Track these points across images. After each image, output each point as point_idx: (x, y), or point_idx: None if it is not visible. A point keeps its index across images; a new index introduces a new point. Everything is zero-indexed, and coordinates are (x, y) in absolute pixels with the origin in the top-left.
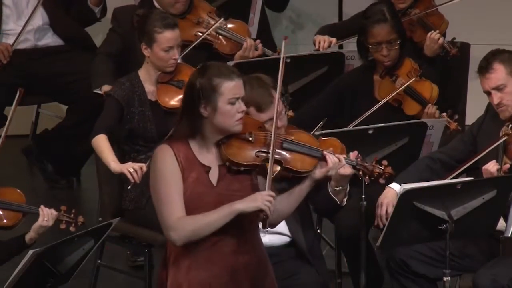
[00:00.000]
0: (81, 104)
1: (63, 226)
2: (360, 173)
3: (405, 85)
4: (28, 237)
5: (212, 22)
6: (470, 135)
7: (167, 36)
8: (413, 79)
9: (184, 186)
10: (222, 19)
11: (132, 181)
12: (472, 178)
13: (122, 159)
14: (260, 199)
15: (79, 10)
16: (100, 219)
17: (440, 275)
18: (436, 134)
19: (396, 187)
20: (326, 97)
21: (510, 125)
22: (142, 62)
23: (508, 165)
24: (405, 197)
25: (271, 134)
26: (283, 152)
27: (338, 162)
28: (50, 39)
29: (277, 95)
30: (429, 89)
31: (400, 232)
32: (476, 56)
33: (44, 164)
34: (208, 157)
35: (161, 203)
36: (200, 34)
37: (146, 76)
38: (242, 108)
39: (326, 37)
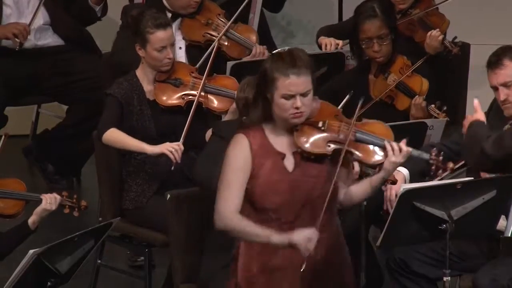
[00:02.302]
0: (81, 104)
1: (67, 210)
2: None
3: (397, 81)
4: (30, 220)
5: (221, 24)
6: None
7: (159, 36)
8: (405, 75)
9: (258, 173)
10: (231, 21)
11: (174, 161)
12: (472, 178)
13: (121, 158)
14: (304, 243)
15: (80, 8)
16: (100, 219)
17: (440, 275)
18: (436, 134)
19: (403, 170)
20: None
21: None
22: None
23: None
24: (405, 197)
25: (345, 125)
26: (355, 144)
27: (406, 151)
28: (51, 39)
29: None
30: (419, 83)
31: (400, 232)
32: (476, 56)
33: (44, 164)
34: (283, 143)
35: (222, 188)
36: (208, 35)
37: (144, 76)
38: (297, 104)
39: (332, 40)
